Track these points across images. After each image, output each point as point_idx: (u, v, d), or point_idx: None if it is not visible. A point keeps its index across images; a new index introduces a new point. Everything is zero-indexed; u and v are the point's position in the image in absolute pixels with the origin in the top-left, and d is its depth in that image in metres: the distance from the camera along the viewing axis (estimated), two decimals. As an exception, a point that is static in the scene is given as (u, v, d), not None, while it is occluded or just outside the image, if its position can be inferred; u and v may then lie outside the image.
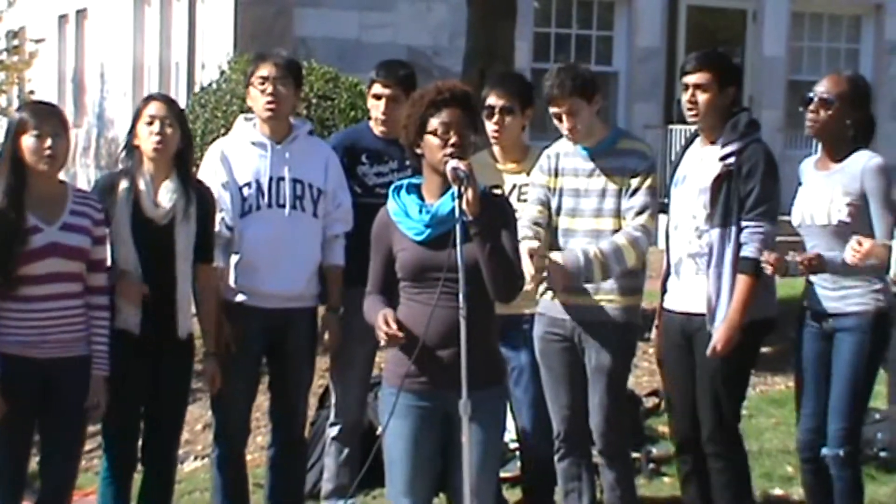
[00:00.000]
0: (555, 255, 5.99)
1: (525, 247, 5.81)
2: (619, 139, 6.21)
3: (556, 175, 6.20)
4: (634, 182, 6.05)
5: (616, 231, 6.06)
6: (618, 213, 6.08)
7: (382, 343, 5.01)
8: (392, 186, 5.21)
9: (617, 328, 6.10)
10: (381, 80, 6.56)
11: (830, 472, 5.88)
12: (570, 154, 6.20)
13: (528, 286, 5.66)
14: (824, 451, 5.88)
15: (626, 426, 6.49)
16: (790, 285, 6.07)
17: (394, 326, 4.93)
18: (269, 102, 6.19)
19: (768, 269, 5.70)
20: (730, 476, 6.02)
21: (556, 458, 6.34)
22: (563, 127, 6.08)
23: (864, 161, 5.76)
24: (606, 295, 6.08)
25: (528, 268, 5.77)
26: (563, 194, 6.16)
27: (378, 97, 6.56)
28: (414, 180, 5.19)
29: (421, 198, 5.12)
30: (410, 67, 6.76)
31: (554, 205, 6.18)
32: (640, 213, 6.03)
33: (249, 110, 6.43)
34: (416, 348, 4.95)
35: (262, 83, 6.20)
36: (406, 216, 5.09)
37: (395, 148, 6.35)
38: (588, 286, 6.06)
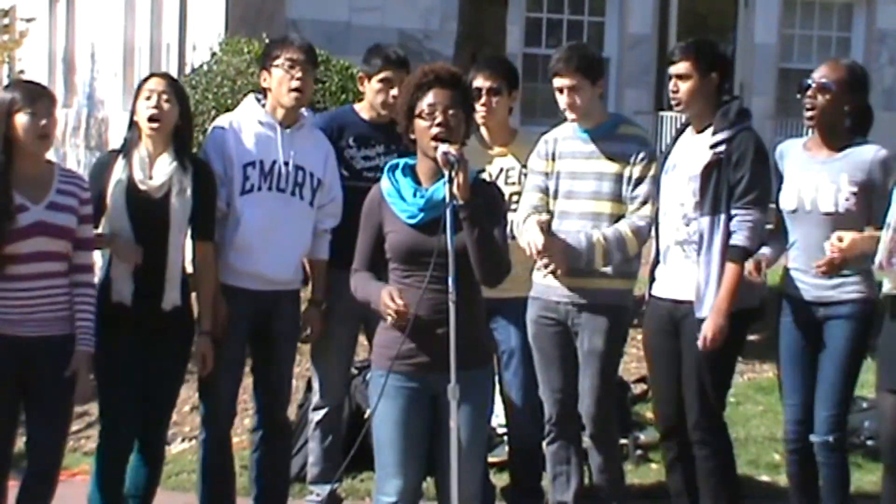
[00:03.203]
0: (558, 237, 6.03)
1: (534, 220, 5.95)
2: (620, 124, 6.26)
3: (554, 159, 6.24)
4: (637, 171, 6.09)
5: (613, 215, 6.10)
6: (615, 198, 6.12)
7: (388, 321, 4.99)
8: (388, 165, 5.22)
9: (610, 311, 6.13)
10: (393, 66, 6.51)
11: (818, 458, 5.90)
12: (568, 138, 6.23)
13: (534, 258, 5.91)
14: (812, 437, 5.89)
15: (614, 410, 6.52)
16: (777, 273, 6.09)
17: (400, 302, 4.93)
18: (297, 89, 6.15)
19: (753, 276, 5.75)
20: (715, 463, 6.04)
21: (545, 441, 6.38)
22: (563, 101, 6.12)
23: (872, 153, 5.80)
24: (601, 278, 6.12)
25: (537, 238, 5.90)
26: (560, 177, 6.19)
27: (390, 82, 6.45)
28: (410, 161, 5.20)
29: (416, 180, 5.13)
30: (404, 51, 6.79)
31: (551, 188, 6.21)
32: (644, 202, 6.06)
33: (244, 92, 6.37)
34: (406, 330, 4.96)
35: (293, 66, 6.14)
36: (400, 198, 5.10)
37: (381, 132, 6.37)
38: (581, 269, 6.08)
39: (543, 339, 6.28)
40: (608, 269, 6.10)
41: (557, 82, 6.13)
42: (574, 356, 6.23)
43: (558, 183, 6.21)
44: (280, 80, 6.18)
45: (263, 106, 6.27)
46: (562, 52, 6.18)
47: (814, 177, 5.86)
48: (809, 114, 5.89)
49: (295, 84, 6.15)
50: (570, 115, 6.17)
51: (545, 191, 6.25)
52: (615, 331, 6.18)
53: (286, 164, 6.17)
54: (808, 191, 5.86)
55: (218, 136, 6.20)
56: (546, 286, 6.23)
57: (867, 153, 5.82)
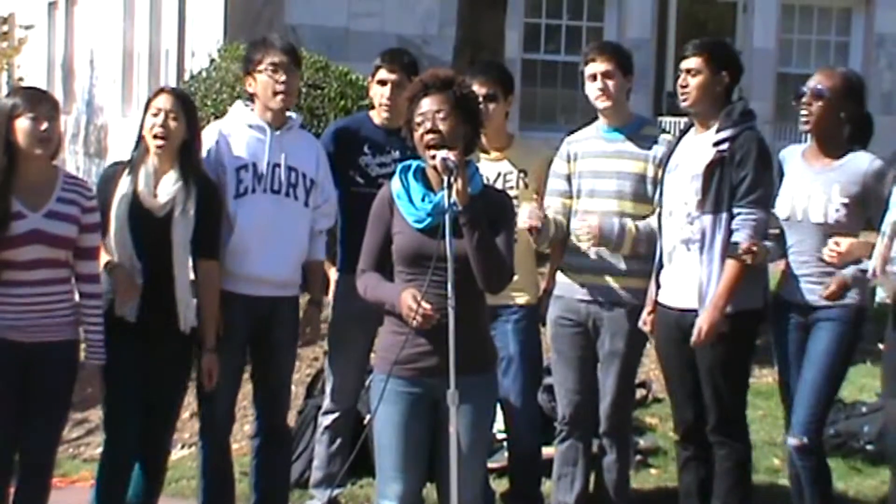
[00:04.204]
0: (590, 218, 6.08)
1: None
2: (645, 125, 6.36)
3: (576, 159, 6.28)
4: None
5: (636, 215, 6.17)
6: (637, 198, 6.19)
7: (415, 324, 4.96)
8: (401, 165, 5.23)
9: (632, 312, 6.19)
10: (386, 66, 6.56)
11: (794, 462, 5.87)
12: (591, 137, 6.31)
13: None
14: (789, 440, 5.88)
15: (631, 410, 6.56)
16: (775, 277, 6.10)
17: (426, 306, 4.92)
18: (283, 92, 6.16)
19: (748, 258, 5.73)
20: (732, 463, 6.03)
21: (556, 440, 6.44)
22: (595, 88, 6.18)
23: (866, 164, 5.80)
24: (622, 277, 6.19)
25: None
26: (583, 176, 6.25)
27: (383, 83, 6.55)
28: (423, 164, 5.20)
29: (426, 184, 5.14)
30: (413, 56, 6.79)
31: (574, 187, 6.26)
32: None
33: (238, 98, 6.39)
34: (408, 334, 4.98)
35: (276, 71, 6.16)
36: (408, 201, 5.11)
37: (396, 138, 6.35)
38: (605, 267, 6.17)
39: (563, 340, 6.34)
40: (626, 266, 6.17)
41: (590, 69, 6.20)
42: (592, 358, 6.30)
43: (581, 182, 6.28)
44: (265, 84, 6.20)
45: (252, 111, 6.28)
46: (594, 43, 6.35)
47: (807, 186, 5.86)
48: (805, 121, 5.90)
49: (280, 87, 6.16)
50: (601, 103, 6.22)
51: (563, 194, 6.32)
52: (636, 332, 6.23)
53: (278, 165, 6.18)
54: (801, 200, 5.87)
55: (209, 146, 6.19)
56: (570, 284, 6.28)
57: (862, 164, 5.80)
